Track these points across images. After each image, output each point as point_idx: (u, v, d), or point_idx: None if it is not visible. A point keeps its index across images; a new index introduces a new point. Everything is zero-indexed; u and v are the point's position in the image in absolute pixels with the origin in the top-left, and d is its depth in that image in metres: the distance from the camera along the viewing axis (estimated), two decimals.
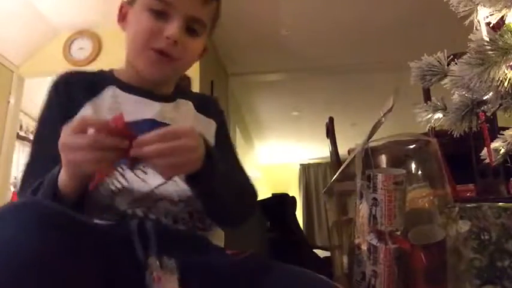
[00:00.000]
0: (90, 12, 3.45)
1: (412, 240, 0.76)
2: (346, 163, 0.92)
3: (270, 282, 0.68)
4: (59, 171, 0.67)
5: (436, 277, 0.78)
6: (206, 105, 0.96)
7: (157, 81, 0.87)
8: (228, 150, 0.95)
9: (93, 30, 3.61)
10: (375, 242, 0.74)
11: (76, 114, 0.79)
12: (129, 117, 0.76)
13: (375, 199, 0.75)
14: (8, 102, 3.61)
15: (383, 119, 0.80)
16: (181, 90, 0.95)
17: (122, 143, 0.60)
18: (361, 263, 0.77)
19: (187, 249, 0.73)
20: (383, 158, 0.85)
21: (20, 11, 3.28)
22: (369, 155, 0.80)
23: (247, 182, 0.90)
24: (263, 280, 0.68)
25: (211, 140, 0.89)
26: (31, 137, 4.17)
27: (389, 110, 0.78)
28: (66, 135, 0.61)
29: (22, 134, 4.75)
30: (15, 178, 4.68)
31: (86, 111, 0.80)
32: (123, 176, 0.76)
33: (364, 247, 0.76)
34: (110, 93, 0.84)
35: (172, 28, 0.78)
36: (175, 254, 0.70)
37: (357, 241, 0.80)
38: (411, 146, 0.90)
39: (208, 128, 0.92)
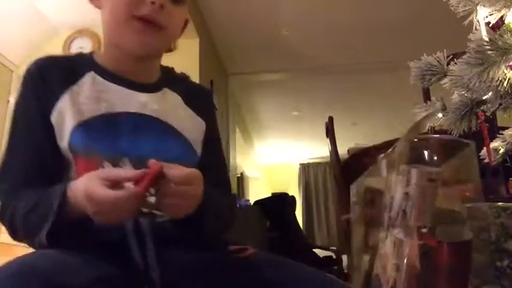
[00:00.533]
0: (90, 12, 3.41)
1: (439, 238, 0.76)
2: (382, 156, 0.91)
3: (278, 279, 0.68)
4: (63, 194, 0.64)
5: (459, 276, 0.78)
6: (198, 98, 0.90)
7: (144, 55, 0.81)
8: (214, 156, 0.90)
9: (93, 30, 3.60)
10: (401, 236, 0.74)
11: (53, 105, 0.75)
12: (110, 109, 0.76)
13: (406, 194, 0.75)
14: (8, 101, 3.61)
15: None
16: (170, 78, 0.89)
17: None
18: (382, 257, 0.77)
19: (186, 247, 0.73)
20: (417, 155, 0.84)
21: (19, 11, 3.28)
22: (406, 152, 0.79)
23: (229, 206, 0.86)
24: (271, 277, 0.68)
25: (200, 141, 0.86)
26: None
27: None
28: (97, 187, 0.59)
29: None
30: None
31: (64, 103, 0.75)
32: None
33: (388, 241, 0.75)
34: (89, 81, 0.79)
35: None
36: (174, 252, 0.71)
37: (381, 235, 0.79)
38: (450, 147, 0.90)
39: (197, 127, 0.87)
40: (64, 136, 0.74)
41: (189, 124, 0.84)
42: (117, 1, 0.76)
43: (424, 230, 0.75)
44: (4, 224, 0.72)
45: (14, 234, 0.72)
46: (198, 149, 0.85)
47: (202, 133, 0.87)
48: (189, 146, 0.83)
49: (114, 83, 0.80)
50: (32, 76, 0.78)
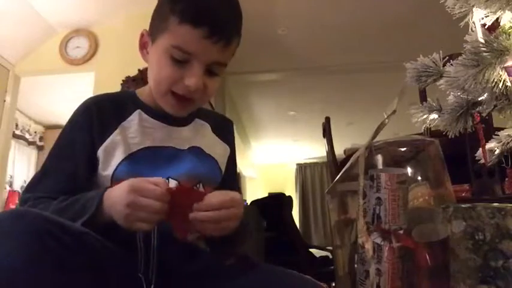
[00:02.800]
0: (87, 11, 3.44)
1: (416, 239, 0.77)
2: (349, 163, 0.93)
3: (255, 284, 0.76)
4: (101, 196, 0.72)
5: (439, 275, 0.79)
6: (223, 127, 1.01)
7: (181, 117, 0.91)
8: (232, 179, 1.01)
9: (90, 29, 3.60)
10: (379, 240, 0.75)
11: (105, 138, 0.84)
12: (155, 143, 0.87)
13: (378, 198, 0.76)
14: (4, 101, 3.59)
15: (387, 120, 0.81)
16: (199, 110, 0.98)
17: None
18: (364, 262, 0.78)
19: (185, 250, 0.81)
20: (384, 158, 0.85)
21: (16, 10, 3.27)
22: (372, 155, 0.80)
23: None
24: (249, 283, 0.76)
25: (224, 162, 0.97)
26: (27, 135, 4.16)
27: (393, 112, 0.79)
28: (143, 181, 0.69)
29: (18, 132, 4.74)
30: (11, 177, 4.67)
31: (115, 138, 0.84)
32: None
33: (367, 246, 0.77)
34: (137, 118, 0.89)
35: (193, 78, 0.80)
36: (173, 254, 0.78)
37: (360, 240, 0.80)
38: (414, 146, 0.91)
39: (222, 153, 0.98)
40: (109, 167, 0.83)
41: (217, 148, 0.96)
42: (160, 77, 0.83)
43: (400, 232, 0.76)
44: None
45: None
46: (223, 167, 0.96)
47: (227, 156, 0.99)
48: (216, 165, 0.94)
49: (157, 120, 0.90)
50: (90, 110, 0.87)
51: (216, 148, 0.96)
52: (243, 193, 7.48)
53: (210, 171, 0.91)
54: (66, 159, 0.83)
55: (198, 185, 0.87)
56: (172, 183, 0.83)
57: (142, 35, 0.88)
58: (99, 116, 0.86)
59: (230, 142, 1.02)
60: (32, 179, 0.84)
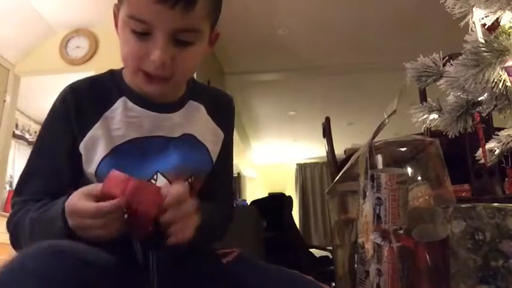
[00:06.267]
0: (87, 11, 3.44)
1: (416, 239, 0.77)
2: (349, 163, 0.93)
3: (255, 283, 0.72)
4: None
5: (439, 275, 0.79)
6: (220, 107, 0.92)
7: (158, 99, 0.82)
8: (224, 169, 0.93)
9: (90, 29, 3.60)
10: (379, 240, 0.75)
11: (85, 133, 0.78)
12: (142, 134, 0.80)
13: (378, 198, 0.76)
14: (4, 100, 3.59)
15: (387, 120, 0.81)
16: (194, 90, 0.90)
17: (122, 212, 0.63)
18: (364, 262, 0.78)
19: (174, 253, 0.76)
20: (385, 158, 0.85)
21: (16, 9, 3.27)
22: (372, 155, 0.80)
23: (226, 217, 0.91)
24: (248, 282, 0.72)
25: (217, 151, 0.89)
26: (27, 135, 4.16)
27: (394, 112, 0.79)
28: (79, 200, 0.64)
29: (18, 132, 4.73)
30: (11, 177, 4.67)
31: (97, 131, 0.78)
32: None
33: (368, 246, 0.77)
34: (121, 107, 0.81)
35: (156, 51, 0.72)
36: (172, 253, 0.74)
37: (360, 240, 0.80)
38: (414, 146, 0.91)
39: (216, 138, 0.90)
40: (92, 163, 0.77)
41: (210, 135, 0.88)
42: (126, 53, 0.76)
43: (400, 232, 0.76)
44: (9, 231, 0.76)
45: (17, 244, 0.75)
46: (214, 157, 0.88)
47: (220, 143, 0.90)
48: (209, 155, 0.86)
49: (143, 107, 0.81)
50: (67, 104, 0.79)
51: (208, 134, 0.87)
52: (242, 192, 7.49)
53: (201, 163, 0.84)
54: (48, 155, 0.78)
55: (190, 179, 0.81)
56: (161, 179, 0.77)
57: (114, 13, 0.79)
58: (78, 105, 0.78)
59: (226, 125, 0.92)
60: (18, 180, 0.80)
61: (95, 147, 0.77)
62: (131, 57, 0.75)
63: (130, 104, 0.81)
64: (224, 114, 0.93)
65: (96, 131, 0.78)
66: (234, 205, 1.00)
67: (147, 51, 0.72)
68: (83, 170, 0.78)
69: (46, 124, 0.81)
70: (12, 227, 0.75)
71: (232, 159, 0.97)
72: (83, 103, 0.79)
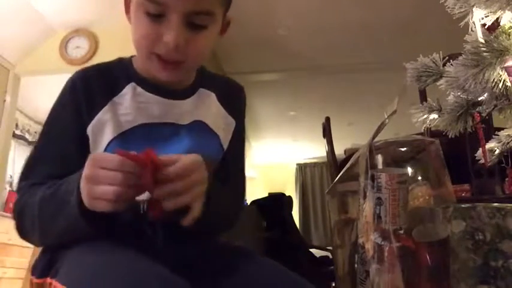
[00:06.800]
0: (87, 11, 3.44)
1: (416, 239, 0.77)
2: (349, 163, 0.93)
3: (254, 268, 0.72)
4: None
5: (439, 275, 0.79)
6: (230, 95, 0.91)
7: (171, 83, 0.81)
8: (236, 158, 0.91)
9: (90, 29, 3.60)
10: (379, 240, 0.75)
11: (93, 117, 0.77)
12: (149, 119, 0.78)
13: (379, 198, 0.76)
14: (4, 100, 3.59)
15: (387, 120, 0.81)
16: (205, 77, 0.89)
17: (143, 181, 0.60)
18: (364, 262, 0.78)
19: (190, 239, 0.77)
20: (385, 158, 0.85)
21: (16, 9, 3.27)
22: (372, 155, 0.80)
23: (237, 203, 0.90)
24: (248, 266, 0.72)
25: (228, 139, 0.88)
26: (27, 135, 4.16)
27: (394, 112, 0.79)
28: (90, 166, 0.62)
29: (18, 132, 4.73)
30: (11, 177, 4.67)
31: (105, 115, 0.77)
32: None
33: (368, 246, 0.77)
34: (130, 92, 0.80)
35: (170, 33, 0.71)
36: (178, 241, 0.75)
37: (360, 240, 0.80)
38: (414, 146, 0.91)
39: (227, 126, 0.89)
40: (99, 147, 0.76)
41: (221, 123, 0.87)
42: (139, 37, 0.75)
43: (400, 232, 0.76)
44: (14, 216, 0.75)
45: (22, 227, 0.74)
46: (225, 145, 0.87)
47: (231, 132, 0.89)
48: (219, 142, 0.86)
49: (153, 93, 0.80)
50: (76, 87, 0.79)
51: (220, 122, 0.86)
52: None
53: (212, 151, 0.83)
54: (56, 140, 0.78)
55: None
56: None
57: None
58: (86, 92, 0.78)
59: (237, 113, 0.91)
60: (25, 165, 0.78)
61: (102, 130, 0.77)
62: (145, 39, 0.74)
63: (139, 89, 0.80)
64: (235, 103, 0.92)
65: (104, 114, 0.77)
66: (243, 196, 0.97)
67: (160, 34, 0.72)
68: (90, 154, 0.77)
69: (54, 110, 0.80)
70: (18, 210, 0.74)
71: (244, 149, 0.95)
72: (91, 88, 0.78)
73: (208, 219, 0.69)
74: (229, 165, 0.87)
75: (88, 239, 0.67)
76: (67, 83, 0.81)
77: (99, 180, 0.60)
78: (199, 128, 0.82)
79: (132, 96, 0.79)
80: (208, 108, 0.86)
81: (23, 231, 0.75)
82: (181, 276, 0.61)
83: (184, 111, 0.82)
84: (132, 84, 0.80)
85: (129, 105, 0.78)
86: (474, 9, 1.17)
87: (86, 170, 0.62)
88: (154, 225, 0.75)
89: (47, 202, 0.69)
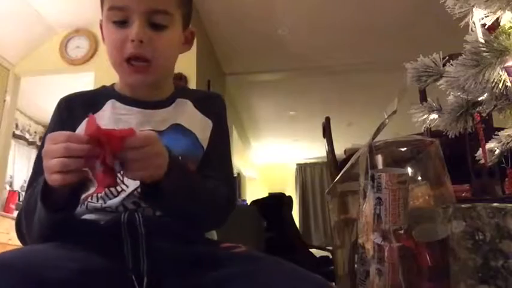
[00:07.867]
0: (87, 11, 3.44)
1: (416, 239, 0.77)
2: (349, 163, 0.93)
3: (262, 275, 0.67)
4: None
5: (439, 275, 0.79)
6: (206, 102, 0.96)
7: (145, 88, 0.88)
8: (219, 157, 0.93)
9: (90, 29, 3.60)
10: (379, 241, 0.75)
11: (75, 129, 0.81)
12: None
13: (379, 198, 0.76)
14: (4, 100, 3.60)
15: (387, 120, 0.81)
16: (183, 91, 0.95)
17: (90, 149, 0.62)
18: (364, 262, 0.78)
19: (177, 240, 0.74)
20: (385, 158, 0.85)
21: (16, 10, 3.27)
22: (372, 155, 0.80)
23: (219, 192, 0.87)
24: (255, 273, 0.67)
25: (206, 138, 0.90)
26: (27, 135, 4.17)
27: (394, 112, 0.79)
28: (46, 143, 0.65)
29: (18, 132, 4.74)
30: (11, 177, 4.67)
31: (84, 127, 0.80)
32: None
33: (368, 246, 0.77)
34: (110, 106, 0.87)
35: (133, 30, 0.80)
36: (165, 245, 0.72)
37: (360, 240, 0.80)
38: (414, 146, 0.91)
39: (204, 125, 0.91)
40: None
41: (197, 123, 0.90)
42: (110, 45, 0.84)
43: (400, 232, 0.76)
44: (16, 229, 0.78)
45: (20, 233, 0.77)
46: (205, 143, 0.90)
47: (209, 130, 0.92)
48: (196, 141, 0.88)
49: (132, 105, 0.87)
50: (60, 107, 0.89)
51: (196, 122, 0.90)
52: (242, 192, 7.49)
53: (189, 147, 0.86)
54: None
55: None
56: None
57: (100, 26, 0.88)
58: (69, 111, 0.87)
59: (214, 115, 0.94)
60: (28, 181, 0.84)
61: None
62: (114, 46, 0.82)
63: (118, 104, 0.87)
64: (211, 107, 0.95)
65: (83, 126, 0.78)
66: (236, 191, 0.97)
67: (127, 36, 0.80)
68: None
69: (47, 130, 0.88)
70: (17, 217, 0.77)
71: (228, 148, 0.98)
72: (73, 106, 0.87)
73: (171, 195, 0.69)
74: (210, 163, 0.88)
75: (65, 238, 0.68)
76: (55, 106, 0.90)
77: (50, 155, 0.63)
78: (175, 129, 0.87)
79: (111, 110, 0.86)
80: (184, 113, 0.91)
81: (21, 236, 0.77)
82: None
83: (163, 118, 0.87)
84: (112, 100, 0.88)
85: (108, 118, 0.85)
86: (474, 9, 1.17)
87: (44, 150, 0.65)
88: (137, 235, 0.72)
89: (30, 197, 0.73)
